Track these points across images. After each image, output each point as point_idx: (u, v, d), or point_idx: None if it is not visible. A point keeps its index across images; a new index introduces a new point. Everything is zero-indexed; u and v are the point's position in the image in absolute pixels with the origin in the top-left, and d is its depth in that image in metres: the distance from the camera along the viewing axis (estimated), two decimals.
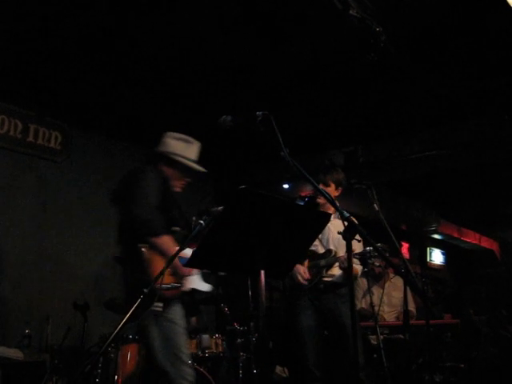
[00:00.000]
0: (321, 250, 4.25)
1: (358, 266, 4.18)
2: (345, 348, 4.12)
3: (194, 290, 3.34)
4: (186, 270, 3.20)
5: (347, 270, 4.18)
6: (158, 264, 3.04)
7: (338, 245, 4.22)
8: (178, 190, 3.52)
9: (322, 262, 4.20)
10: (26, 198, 5.49)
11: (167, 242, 3.13)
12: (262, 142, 2.31)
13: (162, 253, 3.10)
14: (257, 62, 4.85)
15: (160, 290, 3.00)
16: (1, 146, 5.31)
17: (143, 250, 3.13)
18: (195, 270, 3.31)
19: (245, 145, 6.35)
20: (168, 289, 3.09)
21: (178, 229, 3.30)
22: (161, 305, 3.12)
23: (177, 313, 3.25)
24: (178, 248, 2.95)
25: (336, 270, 4.26)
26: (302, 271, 4.18)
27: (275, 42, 4.55)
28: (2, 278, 5.13)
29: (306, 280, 4.20)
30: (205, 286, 3.40)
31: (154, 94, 5.38)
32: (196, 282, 3.33)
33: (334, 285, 4.25)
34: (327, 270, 4.23)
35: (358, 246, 4.00)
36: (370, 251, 3.99)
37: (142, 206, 3.11)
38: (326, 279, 4.24)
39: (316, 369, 4.13)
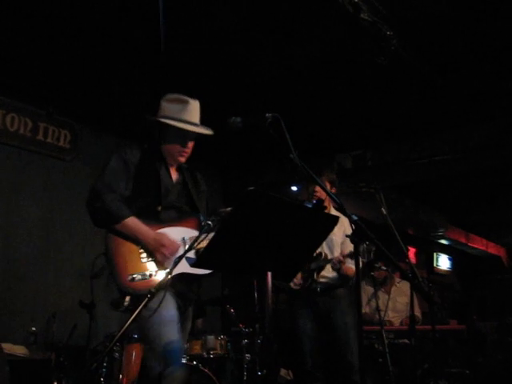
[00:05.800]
0: None
1: (352, 266, 4.13)
2: (339, 350, 4.12)
3: (184, 275, 2.68)
4: (166, 252, 2.71)
5: (343, 273, 4.20)
6: (121, 255, 2.70)
7: (331, 245, 4.22)
8: (181, 159, 3.00)
9: (312, 265, 4.17)
10: (35, 196, 5.51)
11: (130, 227, 2.70)
12: (271, 143, 2.31)
13: (127, 239, 2.71)
14: (267, 64, 4.86)
15: (126, 285, 2.65)
16: (11, 143, 5.34)
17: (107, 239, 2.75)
18: (179, 251, 2.74)
19: (253, 146, 6.35)
20: (134, 280, 2.64)
21: (159, 208, 2.83)
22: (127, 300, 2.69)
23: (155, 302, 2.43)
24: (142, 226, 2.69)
25: (328, 272, 4.25)
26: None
27: (285, 44, 4.55)
28: (9, 275, 5.15)
29: (297, 284, 4.20)
30: (198, 269, 2.62)
31: (164, 92, 5.38)
32: (184, 264, 2.59)
33: (330, 287, 4.25)
34: (318, 273, 4.21)
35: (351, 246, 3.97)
36: (363, 249, 3.93)
37: (95, 190, 2.74)
38: (320, 281, 4.22)
39: (316, 370, 4.14)
